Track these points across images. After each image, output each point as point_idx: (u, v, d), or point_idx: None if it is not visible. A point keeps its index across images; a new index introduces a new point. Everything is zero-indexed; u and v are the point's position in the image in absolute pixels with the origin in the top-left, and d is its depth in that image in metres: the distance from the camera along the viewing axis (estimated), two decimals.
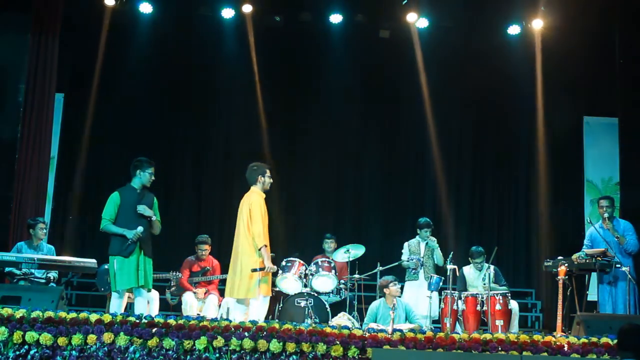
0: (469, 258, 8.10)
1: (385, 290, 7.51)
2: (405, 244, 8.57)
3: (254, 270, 6.23)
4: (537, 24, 10.35)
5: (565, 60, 10.76)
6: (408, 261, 8.40)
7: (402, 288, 8.13)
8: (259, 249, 6.36)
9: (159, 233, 6.62)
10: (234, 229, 10.57)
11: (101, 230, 6.43)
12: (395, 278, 7.58)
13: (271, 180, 6.74)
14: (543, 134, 11.18)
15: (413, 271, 8.33)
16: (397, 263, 8.46)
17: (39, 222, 7.78)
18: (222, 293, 8.44)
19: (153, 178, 6.56)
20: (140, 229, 6.29)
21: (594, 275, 7.60)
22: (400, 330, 5.51)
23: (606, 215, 7.56)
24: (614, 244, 7.46)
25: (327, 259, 8.50)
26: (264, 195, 6.66)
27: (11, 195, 8.40)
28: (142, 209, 6.37)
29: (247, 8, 10.24)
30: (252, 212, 6.45)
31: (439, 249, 8.49)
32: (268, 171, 6.73)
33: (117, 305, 6.35)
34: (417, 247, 8.46)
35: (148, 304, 7.46)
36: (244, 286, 6.37)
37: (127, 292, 6.58)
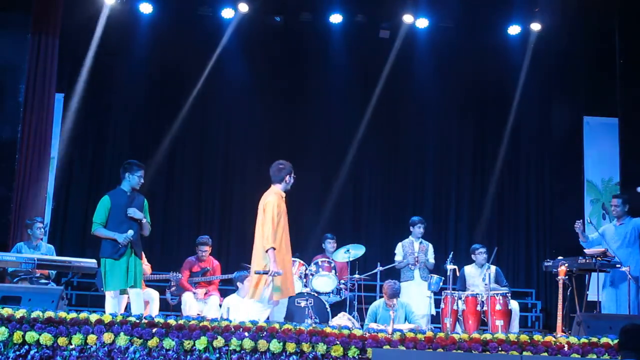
0: (471, 255, 8.10)
1: (384, 294, 7.55)
2: (399, 244, 8.54)
3: (258, 272, 6.19)
4: (537, 24, 10.35)
5: (565, 61, 10.77)
6: (402, 261, 8.37)
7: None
8: (266, 251, 6.19)
9: (149, 234, 6.65)
10: (234, 229, 10.69)
11: (92, 233, 6.47)
12: (398, 289, 7.53)
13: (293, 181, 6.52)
14: (543, 134, 11.21)
15: (412, 267, 8.30)
16: (393, 265, 8.46)
17: (36, 221, 7.79)
18: (222, 293, 8.46)
19: (142, 180, 6.55)
20: (130, 232, 6.33)
21: (594, 275, 7.59)
22: (400, 330, 5.50)
23: (615, 213, 7.55)
24: (621, 238, 7.42)
25: (327, 259, 8.50)
26: (283, 195, 6.41)
27: (11, 195, 8.39)
28: (133, 211, 6.38)
29: (247, 8, 10.23)
30: (266, 212, 6.24)
31: (432, 252, 8.51)
32: (293, 171, 6.49)
33: (111, 305, 6.35)
34: (411, 247, 8.44)
35: (148, 304, 7.50)
36: (252, 288, 6.25)
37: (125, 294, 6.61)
